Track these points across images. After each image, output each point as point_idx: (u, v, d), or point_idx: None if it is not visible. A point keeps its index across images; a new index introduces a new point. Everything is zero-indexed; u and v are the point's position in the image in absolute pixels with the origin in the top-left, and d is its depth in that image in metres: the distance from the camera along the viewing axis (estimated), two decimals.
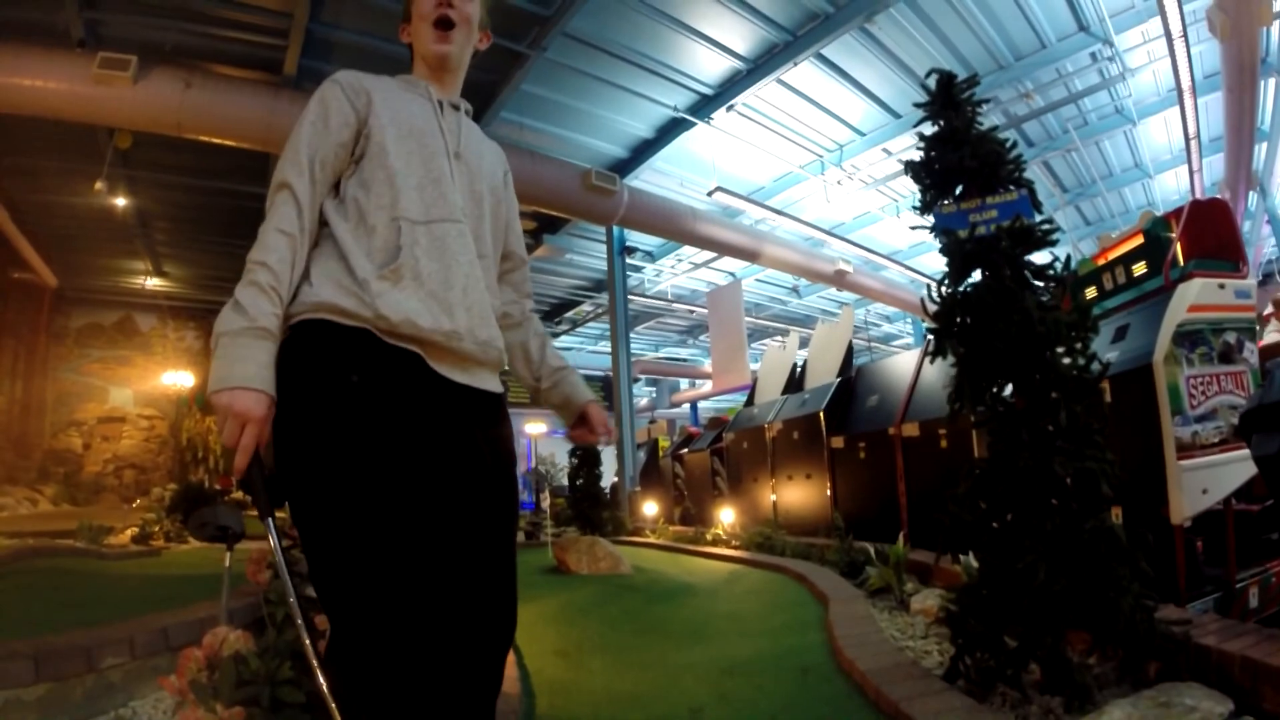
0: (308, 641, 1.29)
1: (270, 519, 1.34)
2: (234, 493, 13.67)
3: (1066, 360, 2.61)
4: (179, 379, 16.25)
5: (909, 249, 15.85)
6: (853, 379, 7.31)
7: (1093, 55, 9.81)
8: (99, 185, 9.86)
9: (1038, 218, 2.78)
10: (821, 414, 7.00)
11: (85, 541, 7.00)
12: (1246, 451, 3.21)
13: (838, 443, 6.76)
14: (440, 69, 1.74)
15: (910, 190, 13.11)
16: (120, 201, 10.87)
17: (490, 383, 1.60)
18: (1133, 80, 10.29)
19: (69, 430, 15.86)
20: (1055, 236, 2.69)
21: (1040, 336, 2.52)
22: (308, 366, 1.37)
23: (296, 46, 8.01)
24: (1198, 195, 12.08)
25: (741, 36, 8.94)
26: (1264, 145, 11.36)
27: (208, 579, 4.19)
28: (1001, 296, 2.61)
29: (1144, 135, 12.24)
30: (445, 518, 1.39)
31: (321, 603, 1.34)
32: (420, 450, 1.37)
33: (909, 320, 20.87)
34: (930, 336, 2.86)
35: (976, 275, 2.82)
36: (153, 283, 15.68)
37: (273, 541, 1.33)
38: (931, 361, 2.86)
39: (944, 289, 2.81)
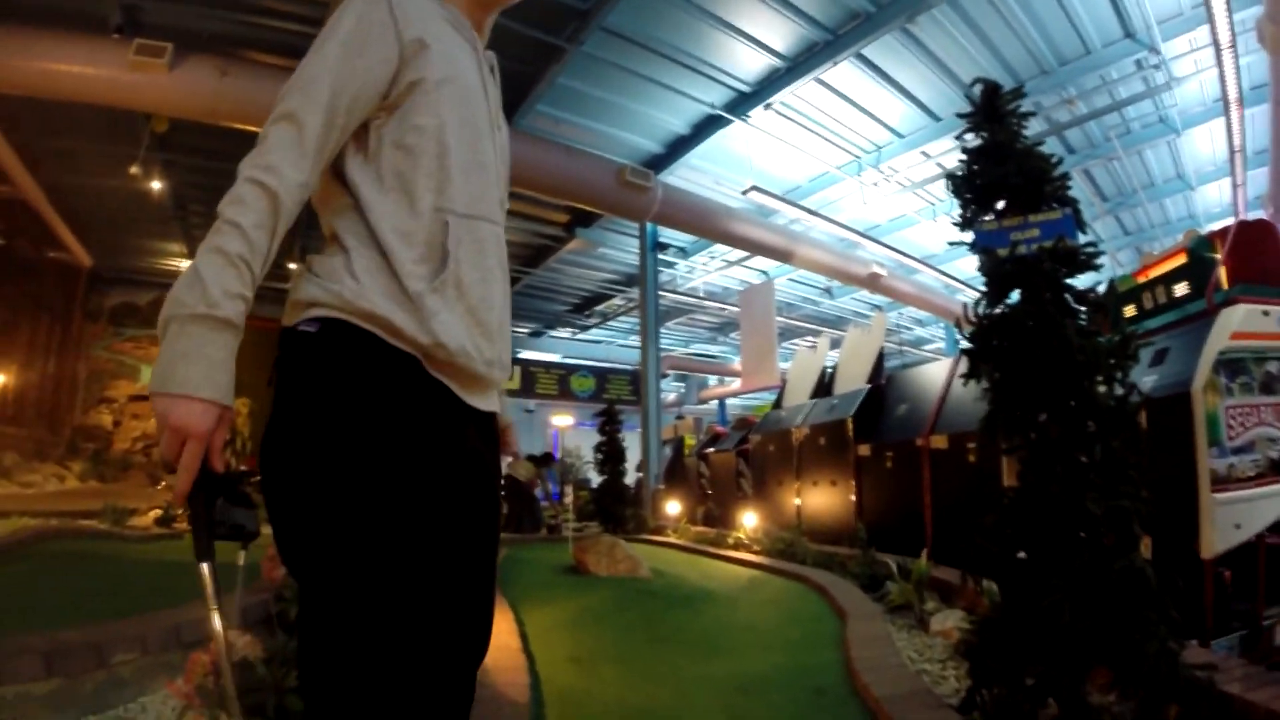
0: None
1: (208, 562, 1.15)
2: (258, 475, 13.84)
3: (1104, 389, 2.52)
4: None
5: (944, 253, 15.64)
6: (882, 386, 7.23)
7: (1138, 63, 9.60)
8: (134, 169, 9.94)
9: (1081, 239, 2.69)
10: (849, 421, 6.92)
11: (108, 523, 7.07)
12: None
13: (865, 451, 6.68)
14: (483, 8, 1.50)
15: (947, 195, 12.91)
16: (156, 185, 10.93)
17: (495, 403, 1.45)
18: (1178, 89, 10.06)
19: (99, 408, 16.04)
20: (1099, 260, 2.59)
21: (1079, 365, 2.44)
22: (345, 386, 1.19)
23: None
24: (1240, 209, 11.84)
25: (781, 34, 8.83)
26: None
27: (225, 569, 4.18)
28: (1041, 321, 2.53)
29: (1187, 146, 11.98)
30: (463, 553, 1.27)
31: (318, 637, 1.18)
32: (452, 492, 1.24)
33: (941, 325, 20.63)
34: (965, 356, 2.78)
35: (1015, 295, 2.73)
36: (187, 264, 15.83)
37: (208, 590, 1.15)
38: (965, 383, 2.77)
39: (981, 309, 2.72)
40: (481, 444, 1.37)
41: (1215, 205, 13.86)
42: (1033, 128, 2.96)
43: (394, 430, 1.18)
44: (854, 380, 7.89)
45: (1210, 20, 7.51)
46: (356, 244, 1.25)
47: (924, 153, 11.77)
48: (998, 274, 2.68)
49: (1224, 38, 7.73)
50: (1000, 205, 2.87)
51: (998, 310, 2.70)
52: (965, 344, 2.76)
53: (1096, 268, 2.61)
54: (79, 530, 6.66)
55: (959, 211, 2.92)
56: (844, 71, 9.50)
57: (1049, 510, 2.43)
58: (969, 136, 2.99)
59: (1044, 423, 2.57)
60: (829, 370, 8.96)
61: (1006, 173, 2.79)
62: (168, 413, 1.06)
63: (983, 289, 2.76)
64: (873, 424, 6.85)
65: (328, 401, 1.17)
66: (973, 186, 2.89)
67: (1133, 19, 8.79)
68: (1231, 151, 10.36)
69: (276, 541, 1.23)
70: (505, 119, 1.58)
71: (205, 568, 1.15)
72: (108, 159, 10.52)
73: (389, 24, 1.27)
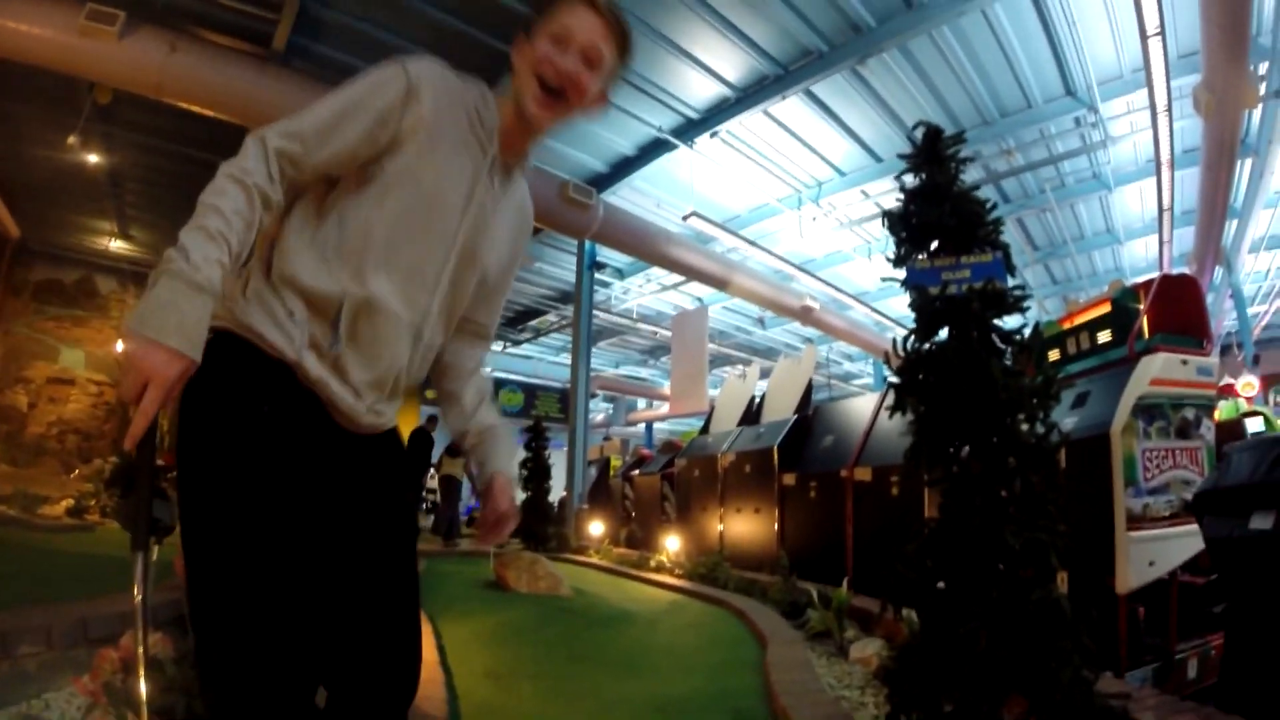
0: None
1: (144, 550, 1.19)
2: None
3: (1025, 427, 2.59)
4: None
5: (876, 290, 15.97)
6: (810, 417, 7.31)
7: (1076, 120, 9.98)
8: (72, 139, 9.63)
9: (1010, 282, 2.77)
10: (775, 449, 6.98)
11: (18, 510, 6.81)
12: (1195, 527, 3.23)
13: (789, 480, 6.74)
14: (528, 129, 1.52)
15: (883, 234, 13.16)
16: (93, 158, 10.62)
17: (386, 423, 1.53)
18: (1113, 148, 10.47)
19: (15, 388, 15.38)
20: (1027, 304, 2.68)
21: (1002, 403, 2.51)
22: (223, 380, 1.29)
23: (288, 22, 7.88)
24: (1166, 265, 12.32)
25: (733, 64, 8.96)
26: (1234, 223, 11.61)
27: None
28: (967, 358, 2.59)
29: (1118, 202, 12.46)
30: (324, 549, 1.36)
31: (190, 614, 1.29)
32: (310, 487, 1.34)
33: (870, 361, 21.02)
34: (891, 389, 2.84)
35: (944, 333, 2.80)
36: (117, 245, 15.30)
37: (138, 574, 1.18)
38: (891, 416, 2.82)
39: (910, 344, 2.79)
40: (348, 462, 1.43)
41: (1142, 261, 14.42)
42: (971, 175, 3.07)
43: (258, 422, 1.28)
44: (782, 410, 7.98)
45: (1149, 84, 7.84)
46: (259, 273, 1.37)
47: (864, 191, 12.03)
48: (928, 311, 2.74)
49: (1160, 102, 8.07)
50: (934, 245, 2.94)
51: (926, 346, 2.77)
52: (893, 378, 2.82)
53: (1024, 310, 2.69)
54: None
55: (894, 248, 2.99)
56: (792, 106, 9.69)
57: (969, 541, 2.49)
58: (908, 177, 3.07)
59: (966, 457, 2.64)
60: (757, 399, 9.04)
61: (942, 214, 2.86)
62: (139, 352, 1.10)
63: (912, 325, 2.83)
64: (798, 454, 6.93)
65: (199, 398, 1.27)
66: (908, 225, 2.96)
67: (1075, 78, 9.13)
68: (1160, 210, 10.79)
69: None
70: (514, 240, 1.68)
71: (143, 556, 1.19)
72: (47, 126, 10.16)
73: (396, 109, 1.38)
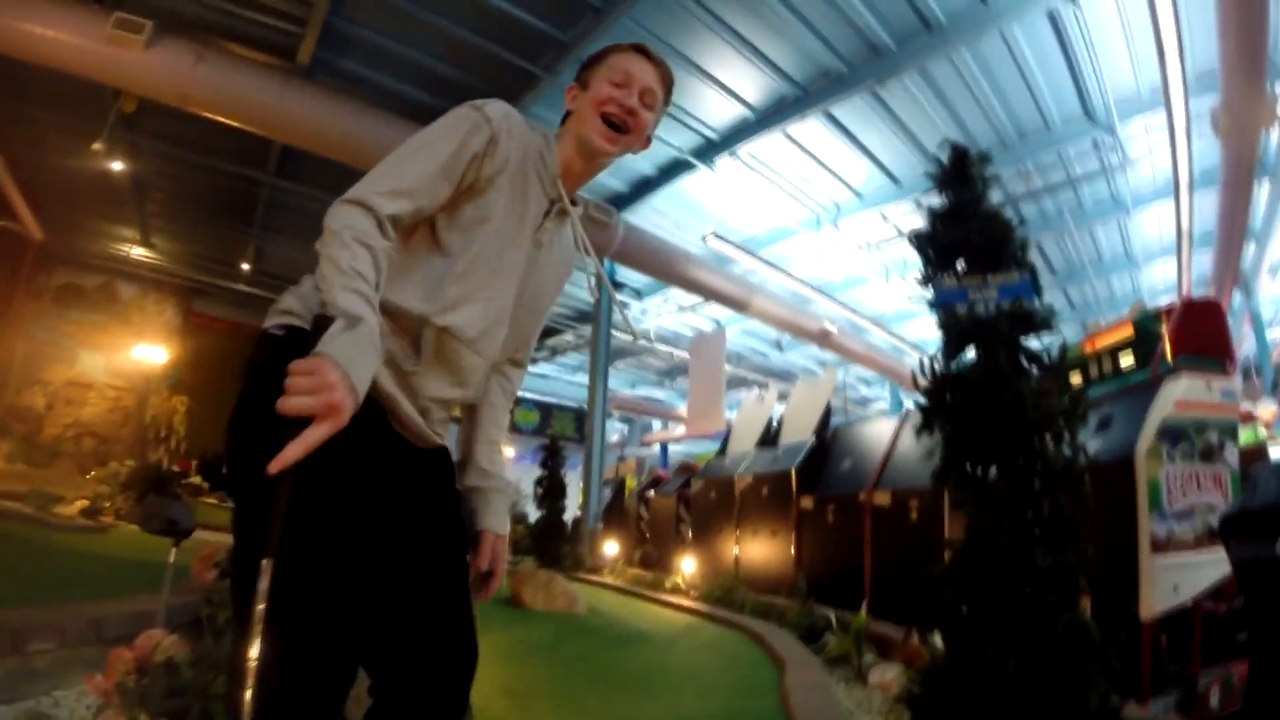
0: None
1: (270, 559, 1.13)
2: (191, 477, 13.44)
3: (1053, 448, 2.58)
4: (152, 354, 15.96)
5: (894, 314, 15.91)
6: (828, 440, 7.27)
7: (1095, 142, 9.93)
8: (97, 145, 9.70)
9: (1038, 302, 2.76)
10: (793, 472, 6.94)
11: (33, 508, 6.83)
12: (1221, 552, 3.19)
13: (807, 503, 6.70)
14: (589, 160, 1.63)
15: (902, 257, 13.18)
16: (117, 165, 10.66)
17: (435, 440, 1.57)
18: (1131, 170, 10.42)
19: (33, 389, 15.45)
20: (1055, 324, 2.67)
21: (1031, 423, 2.49)
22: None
23: (313, 37, 7.95)
24: (1185, 289, 12.24)
25: (754, 85, 8.97)
26: (1252, 245, 11.52)
27: (152, 566, 4.07)
28: (995, 378, 2.58)
29: (1136, 225, 12.38)
30: (386, 552, 1.38)
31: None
32: (374, 491, 1.37)
33: (887, 385, 20.91)
34: (913, 408, 2.84)
35: (971, 353, 2.79)
36: (139, 252, 15.41)
37: (262, 587, 1.12)
38: (918, 436, 2.81)
39: (937, 364, 2.78)
40: (409, 470, 1.48)
41: (1160, 285, 14.31)
42: (991, 198, 3.05)
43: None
44: (800, 433, 7.93)
45: (1167, 105, 7.80)
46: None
47: (883, 214, 11.98)
48: (955, 331, 2.74)
49: (1179, 123, 8.04)
50: (960, 264, 2.94)
51: (953, 366, 2.76)
52: (919, 399, 2.81)
53: (1052, 329, 2.68)
54: (2, 511, 6.43)
55: (920, 269, 2.98)
56: (811, 127, 9.68)
57: (996, 563, 2.47)
58: (934, 197, 3.07)
59: (993, 478, 2.62)
60: (775, 421, 9.00)
61: (969, 233, 2.86)
62: (335, 382, 1.11)
63: (938, 347, 2.82)
64: (816, 477, 6.89)
65: (269, 395, 1.21)
66: (935, 244, 2.96)
67: (1093, 99, 9.09)
68: (1179, 233, 10.71)
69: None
70: (560, 274, 1.75)
71: (266, 563, 1.13)
72: (73, 133, 10.22)
73: (480, 154, 1.46)
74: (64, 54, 7.33)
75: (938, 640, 3.01)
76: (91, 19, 7.25)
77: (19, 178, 12.07)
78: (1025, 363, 2.68)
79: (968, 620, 2.53)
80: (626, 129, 1.60)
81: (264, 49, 8.33)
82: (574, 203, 1.66)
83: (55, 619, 2.88)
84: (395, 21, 7.86)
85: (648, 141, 1.69)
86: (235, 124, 8.27)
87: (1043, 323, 2.66)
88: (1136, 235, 12.73)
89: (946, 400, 2.71)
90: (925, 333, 16.40)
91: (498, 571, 1.69)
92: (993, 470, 2.60)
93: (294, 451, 1.09)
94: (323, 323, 1.18)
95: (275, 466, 1.10)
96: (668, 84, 1.68)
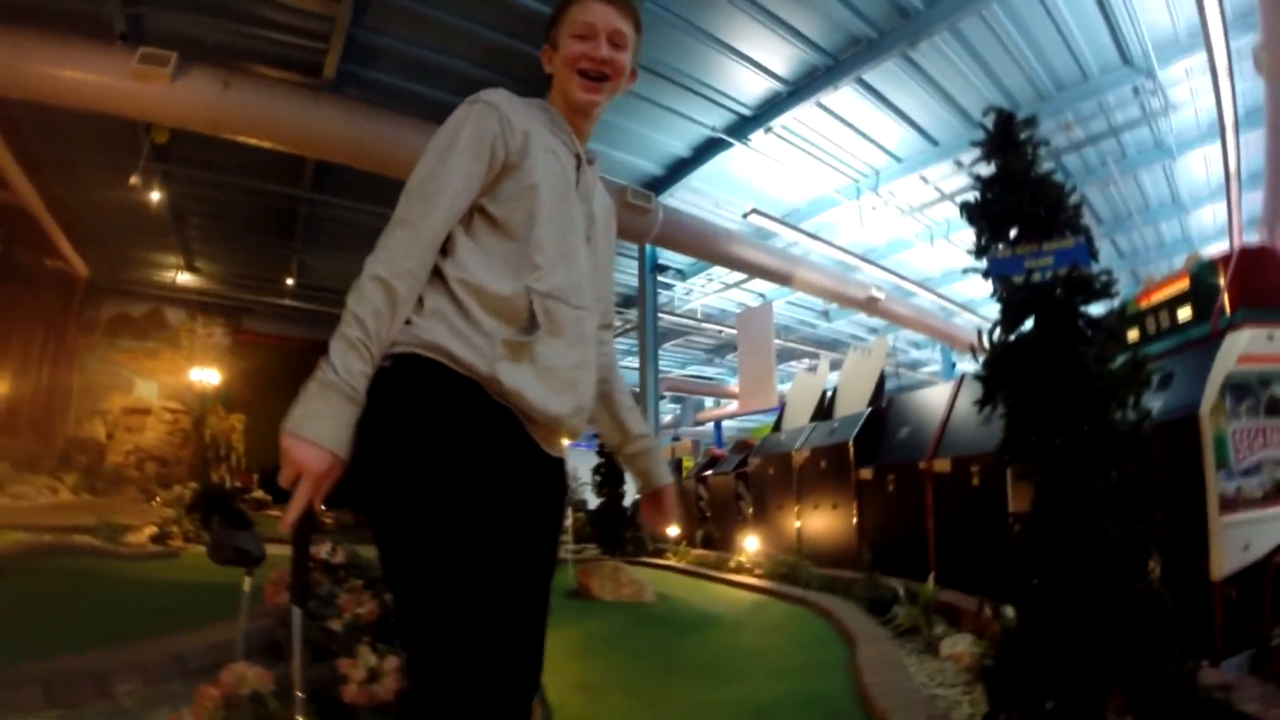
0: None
1: (301, 607, 1.29)
2: (254, 491, 13.75)
3: (1119, 414, 2.52)
4: (205, 375, 16.35)
5: (941, 275, 15.71)
6: (884, 409, 7.21)
7: (1135, 89, 9.70)
8: (134, 180, 9.92)
9: (1095, 267, 2.70)
10: (850, 444, 6.89)
11: (103, 540, 7.01)
12: None
13: (866, 474, 6.65)
14: (583, 116, 1.67)
15: (945, 218, 13.03)
16: (155, 196, 10.90)
17: (560, 450, 1.61)
18: (1174, 114, 10.16)
19: (93, 419, 15.90)
20: (1115, 289, 2.61)
21: (1095, 392, 2.44)
22: (415, 402, 1.36)
23: (337, 51, 8.04)
24: (1235, 232, 11.92)
25: (783, 58, 8.90)
26: None
27: (225, 589, 4.14)
28: (1055, 347, 2.53)
29: (1183, 170, 12.09)
30: (526, 563, 1.38)
31: (404, 638, 1.36)
32: (514, 505, 1.37)
33: (937, 347, 20.69)
34: (969, 375, 2.79)
35: (1029, 323, 2.74)
36: (184, 278, 15.78)
37: (295, 625, 1.27)
38: (980, 411, 2.77)
39: (995, 336, 2.73)
40: (543, 480, 1.49)
41: (1210, 228, 13.97)
42: (1039, 161, 2.98)
43: (456, 443, 1.34)
44: (855, 403, 7.87)
45: (1207, 46, 7.58)
46: (433, 295, 1.43)
47: (922, 177, 11.86)
48: (1013, 302, 2.69)
49: (1220, 63, 7.81)
50: (1014, 233, 2.88)
51: (1012, 337, 2.71)
52: (974, 365, 2.77)
53: (1111, 295, 2.62)
54: (74, 547, 6.61)
55: (973, 239, 2.92)
56: (844, 96, 9.58)
57: (1065, 535, 2.44)
58: (980, 165, 3.00)
59: (1058, 448, 2.57)
60: (829, 393, 8.94)
61: (1020, 200, 2.80)
62: (295, 450, 1.28)
63: (996, 317, 2.77)
64: (874, 447, 6.83)
65: (397, 423, 1.35)
66: (986, 214, 2.90)
67: (1130, 44, 8.88)
68: (1227, 175, 10.42)
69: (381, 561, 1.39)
70: (608, 219, 1.79)
71: (298, 612, 1.32)
72: (108, 169, 10.49)
73: (498, 133, 1.48)
74: (93, 94, 7.52)
75: (1009, 611, 2.98)
76: (117, 56, 7.44)
77: (60, 218, 12.46)
78: (1084, 328, 2.62)
79: (1039, 592, 2.50)
80: (605, 77, 1.62)
81: (289, 67, 8.44)
82: (589, 153, 1.70)
83: (138, 656, 2.94)
84: (418, 28, 7.91)
85: (634, 74, 1.70)
86: (269, 144, 8.39)
87: (1103, 289, 2.60)
88: (1183, 179, 12.44)
89: (1007, 372, 2.66)
90: (973, 292, 16.18)
91: (674, 515, 1.89)
92: (1057, 441, 2.55)
93: (293, 512, 1.29)
94: (396, 370, 1.36)
95: (284, 526, 1.31)
96: (633, 16, 1.66)
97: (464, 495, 1.31)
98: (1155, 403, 3.82)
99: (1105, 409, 2.50)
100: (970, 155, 10.43)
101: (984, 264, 2.84)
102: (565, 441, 1.61)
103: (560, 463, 1.60)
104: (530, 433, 1.45)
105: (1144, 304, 4.74)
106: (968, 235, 3.24)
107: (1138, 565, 2.38)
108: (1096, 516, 2.39)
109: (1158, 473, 2.53)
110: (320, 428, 1.28)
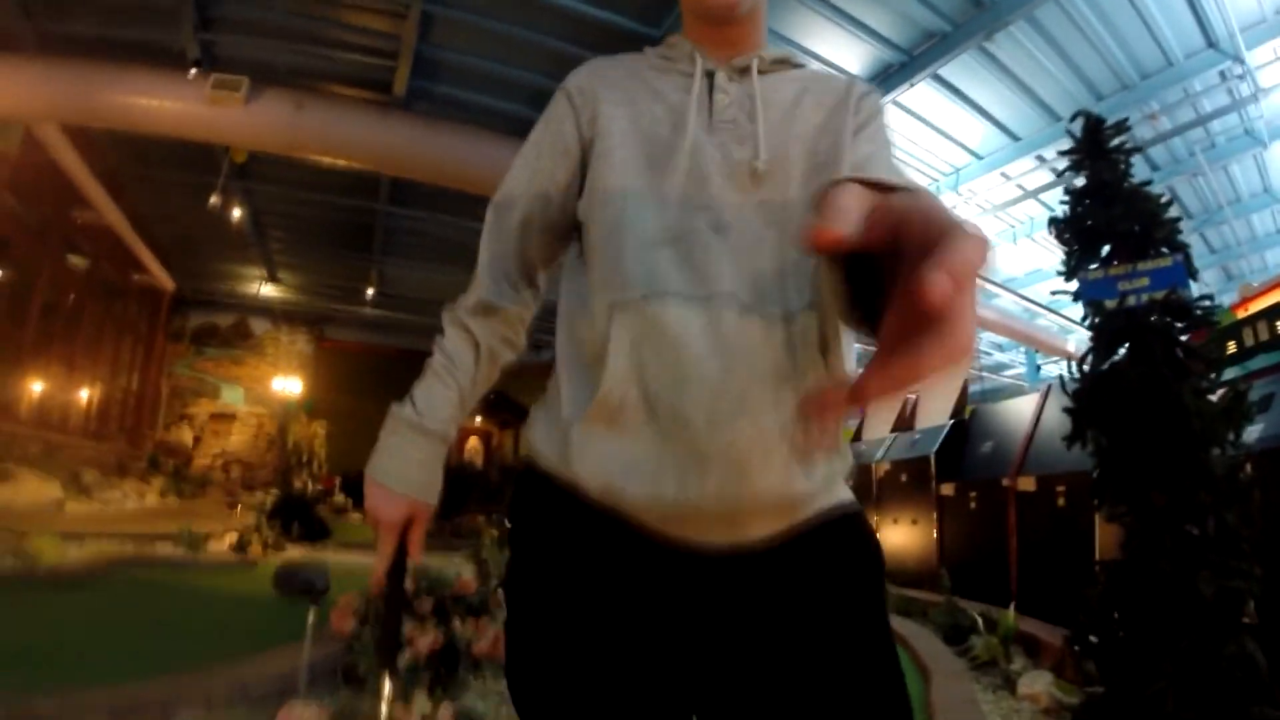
0: None
1: (390, 668, 1.14)
2: (335, 495, 14.05)
3: (1216, 452, 2.33)
4: (288, 384, 16.82)
5: (1025, 276, 15.20)
6: (967, 422, 6.99)
7: (1222, 73, 9.21)
8: (214, 199, 10.19)
9: (1194, 288, 2.52)
10: (932, 457, 6.70)
11: (184, 549, 7.20)
12: None
13: (947, 490, 6.45)
14: (721, 21, 1.13)
15: (1028, 216, 12.63)
16: (236, 212, 11.21)
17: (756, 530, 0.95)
18: (1264, 100, 9.62)
19: (180, 424, 16.53)
20: (1216, 316, 2.42)
21: (1194, 433, 2.27)
22: (519, 515, 1.11)
23: (406, 67, 8.11)
24: None
25: (856, 56, 8.67)
26: None
27: (296, 607, 4.19)
28: (1152, 383, 2.36)
29: (1274, 159, 11.46)
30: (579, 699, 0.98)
31: None
32: (547, 634, 1.01)
33: (1020, 350, 20.06)
34: (1057, 387, 2.63)
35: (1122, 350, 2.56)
36: (267, 289, 16.25)
37: (384, 692, 1.16)
38: (1069, 447, 2.61)
39: (1086, 366, 2.57)
40: (672, 590, 0.96)
41: None
42: (1131, 172, 2.79)
43: (515, 561, 1.12)
44: (936, 414, 7.68)
45: None
46: (556, 360, 1.12)
47: (1004, 174, 11.49)
48: (1105, 329, 2.52)
49: None
50: (1105, 250, 2.70)
51: (1104, 366, 2.54)
52: (1067, 402, 2.61)
53: (1213, 324, 2.44)
54: (154, 558, 6.81)
55: (1062, 258, 2.76)
56: (921, 93, 9.30)
57: (1155, 587, 2.26)
58: (1071, 173, 2.84)
59: (1150, 489, 2.40)
60: (910, 403, 8.73)
61: (1114, 215, 2.63)
62: (368, 494, 1.13)
63: (1087, 345, 2.61)
64: (956, 462, 6.62)
65: (514, 539, 1.16)
66: (1077, 230, 2.73)
67: (1215, 28, 8.42)
68: None
69: None
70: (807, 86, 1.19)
71: (388, 677, 1.13)
72: (189, 188, 10.77)
73: (568, 115, 1.14)
74: (170, 121, 7.71)
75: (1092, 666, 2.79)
76: (191, 84, 7.60)
77: (145, 235, 12.96)
78: (1183, 359, 2.44)
79: (1125, 646, 2.33)
80: None
81: (360, 86, 8.55)
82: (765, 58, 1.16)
83: (203, 684, 2.96)
84: (485, 42, 7.92)
85: None
86: (343, 162, 8.52)
87: (1204, 316, 2.41)
88: (1275, 169, 11.79)
89: (1099, 405, 2.50)
90: (1052, 294, 15.60)
91: None
92: (1151, 482, 2.38)
93: (380, 564, 1.14)
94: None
95: (373, 585, 1.16)
96: None
97: (512, 628, 1.07)
98: (1253, 428, 3.58)
99: (1203, 449, 2.32)
100: (1053, 149, 9.99)
101: (1074, 285, 2.68)
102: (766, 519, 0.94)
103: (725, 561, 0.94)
104: (631, 528, 0.95)
105: (1240, 314, 4.46)
106: (1050, 238, 3.06)
107: (1232, 624, 2.20)
108: (1190, 569, 2.22)
109: (1257, 514, 2.33)
110: (389, 466, 1.10)
